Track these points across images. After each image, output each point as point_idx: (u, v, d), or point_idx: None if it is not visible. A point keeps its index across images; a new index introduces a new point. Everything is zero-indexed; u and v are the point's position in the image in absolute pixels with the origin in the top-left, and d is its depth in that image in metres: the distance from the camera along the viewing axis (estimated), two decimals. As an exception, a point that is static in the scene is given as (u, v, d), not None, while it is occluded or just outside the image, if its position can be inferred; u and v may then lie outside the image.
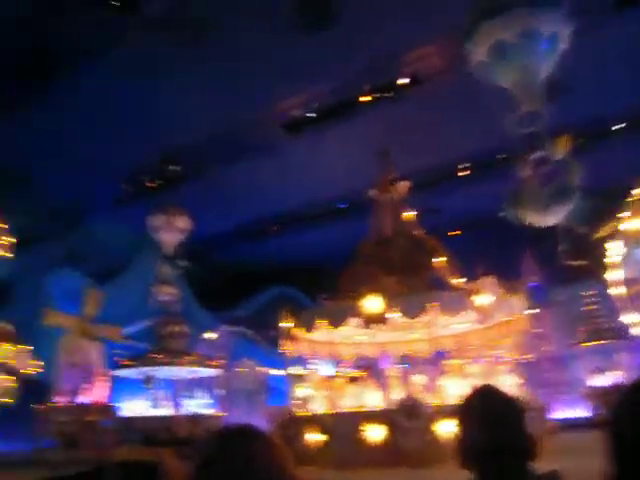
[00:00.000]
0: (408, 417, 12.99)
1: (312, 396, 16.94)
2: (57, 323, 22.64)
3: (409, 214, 18.20)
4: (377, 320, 13.83)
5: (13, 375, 17.47)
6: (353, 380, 16.98)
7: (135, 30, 18.71)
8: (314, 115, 23.32)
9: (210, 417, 22.82)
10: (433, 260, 16.70)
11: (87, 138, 23.79)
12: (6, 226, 15.20)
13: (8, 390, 18.07)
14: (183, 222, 26.35)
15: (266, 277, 33.31)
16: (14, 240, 15.39)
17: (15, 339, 17.11)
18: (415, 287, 15.17)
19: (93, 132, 23.67)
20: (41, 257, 29.29)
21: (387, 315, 13.98)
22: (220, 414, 23.30)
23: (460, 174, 27.51)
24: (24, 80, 20.23)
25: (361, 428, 13.37)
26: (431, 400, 14.67)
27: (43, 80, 20.30)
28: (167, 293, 25.80)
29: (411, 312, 14.08)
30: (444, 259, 16.84)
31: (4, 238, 15.32)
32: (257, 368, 26.28)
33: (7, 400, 17.99)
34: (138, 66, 20.13)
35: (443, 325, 16.07)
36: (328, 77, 21.32)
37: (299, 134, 24.01)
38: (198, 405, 24.59)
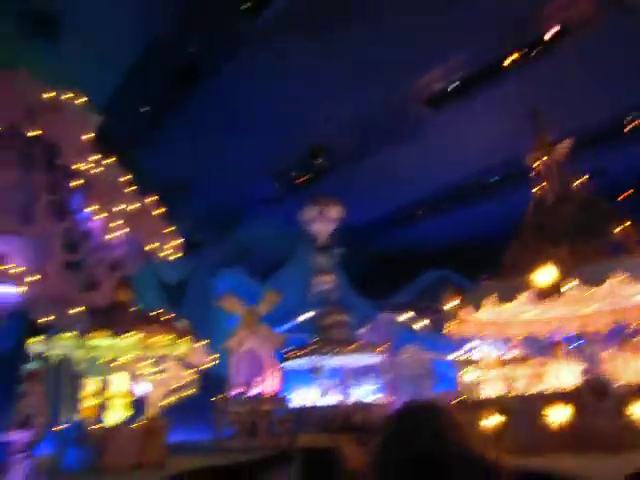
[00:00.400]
0: (597, 397, 11.78)
1: (483, 379, 16.11)
2: (232, 307, 23.91)
3: (574, 177, 16.56)
4: (550, 294, 12.67)
5: (190, 368, 18.59)
6: (526, 360, 15.89)
7: (269, 26, 19.04)
8: (458, 85, 22.14)
9: (378, 404, 22.76)
10: (607, 224, 15.02)
11: (235, 141, 24.76)
12: (173, 228, 16.13)
13: (190, 383, 19.24)
14: (335, 211, 26.56)
15: (422, 261, 32.58)
16: (181, 241, 16.30)
17: (192, 336, 18.14)
18: (590, 255, 13.70)
19: (241, 135, 24.60)
20: (207, 259, 31.25)
21: (561, 288, 12.78)
22: (388, 400, 23.15)
23: (627, 128, 24.73)
24: (172, 93, 21.52)
25: (543, 411, 12.38)
26: (620, 378, 13.25)
27: (190, 91, 21.46)
28: (325, 282, 26.19)
29: (588, 283, 12.73)
30: (620, 222, 15.09)
31: (172, 241, 16.25)
32: (421, 353, 25.78)
33: (190, 392, 19.16)
34: (277, 62, 20.49)
35: (626, 295, 14.43)
36: (469, 43, 20.15)
37: (443, 108, 23.00)
38: (365, 392, 24.64)
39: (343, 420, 14.59)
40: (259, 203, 29.92)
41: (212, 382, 21.04)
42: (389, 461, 1.62)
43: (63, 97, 13.03)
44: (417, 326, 28.38)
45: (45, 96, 12.66)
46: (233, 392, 22.50)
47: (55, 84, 13.02)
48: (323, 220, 26.58)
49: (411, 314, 28.52)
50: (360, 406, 22.33)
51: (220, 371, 22.44)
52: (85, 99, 13.52)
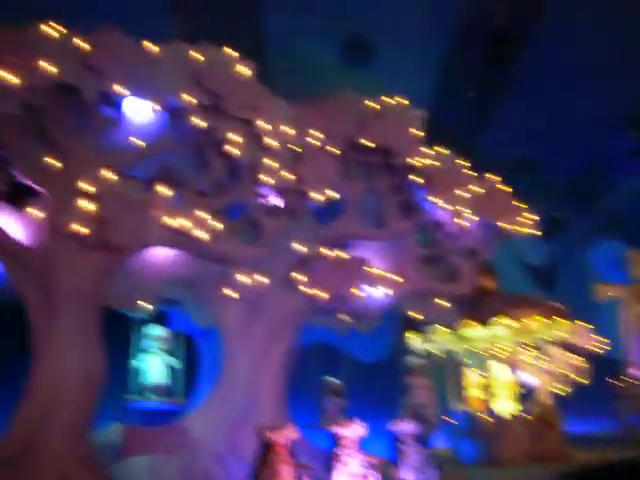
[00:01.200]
0: None
1: None
2: (608, 295, 21.81)
3: None
4: None
5: (576, 353, 17.07)
6: None
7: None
8: None
9: None
10: None
11: (574, 98, 22.27)
12: (525, 206, 15.18)
13: (580, 368, 17.74)
14: None
15: None
16: (537, 218, 15.24)
17: (570, 317, 16.78)
18: None
19: (579, 90, 22.02)
20: (575, 234, 29.01)
21: None
22: None
23: None
24: (493, 68, 20.83)
25: None
26: None
27: (510, 60, 20.41)
28: None
29: None
30: None
31: (526, 219, 15.29)
32: None
33: (582, 380, 17.65)
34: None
35: None
36: None
37: None
38: None
39: None
40: (622, 158, 26.37)
41: (605, 366, 19.04)
42: None
43: (386, 104, 13.49)
44: None
45: (370, 107, 13.28)
46: (632, 374, 20.05)
47: (376, 95, 13.63)
48: None
49: None
50: None
51: (613, 353, 20.22)
52: (406, 101, 13.78)
